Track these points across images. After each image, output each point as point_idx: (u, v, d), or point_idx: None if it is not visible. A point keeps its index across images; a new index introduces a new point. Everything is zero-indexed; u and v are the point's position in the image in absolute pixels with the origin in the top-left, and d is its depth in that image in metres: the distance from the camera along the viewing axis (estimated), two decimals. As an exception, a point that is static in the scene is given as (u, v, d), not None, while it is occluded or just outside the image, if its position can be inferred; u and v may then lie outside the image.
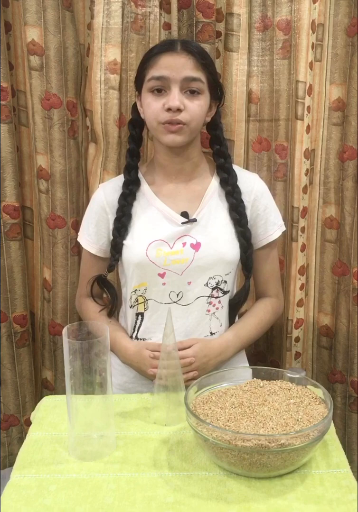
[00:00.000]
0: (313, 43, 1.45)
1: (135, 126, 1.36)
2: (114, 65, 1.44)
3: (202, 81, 1.23)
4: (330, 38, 1.48)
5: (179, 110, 1.21)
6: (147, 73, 1.24)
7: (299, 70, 1.45)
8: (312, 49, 1.45)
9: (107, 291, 1.38)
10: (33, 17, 1.41)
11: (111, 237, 1.33)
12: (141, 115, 1.31)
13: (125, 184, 1.33)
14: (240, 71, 1.48)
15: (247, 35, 1.47)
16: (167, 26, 1.46)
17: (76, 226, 1.56)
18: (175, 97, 1.20)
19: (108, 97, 1.46)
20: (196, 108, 1.23)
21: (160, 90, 1.23)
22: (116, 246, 1.31)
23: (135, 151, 1.36)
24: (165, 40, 1.36)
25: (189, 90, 1.22)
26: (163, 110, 1.22)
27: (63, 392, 1.09)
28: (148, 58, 1.25)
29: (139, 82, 1.29)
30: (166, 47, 1.24)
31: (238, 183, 1.33)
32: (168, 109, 1.21)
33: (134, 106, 1.35)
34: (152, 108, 1.23)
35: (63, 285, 1.60)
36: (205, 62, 1.24)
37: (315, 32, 1.45)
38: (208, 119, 1.31)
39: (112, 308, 1.37)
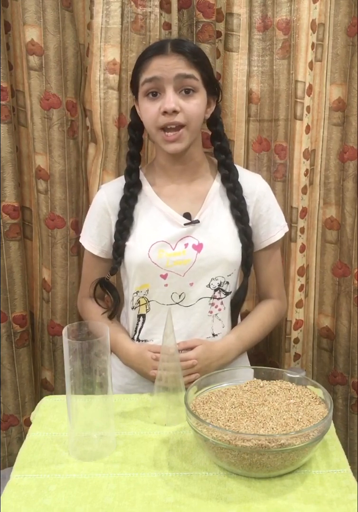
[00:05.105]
0: (313, 43, 1.44)
1: (135, 129, 1.35)
2: (114, 65, 1.44)
3: (195, 78, 1.22)
4: (331, 38, 1.48)
5: (175, 112, 1.20)
6: (141, 77, 1.24)
7: (298, 70, 1.45)
8: (312, 49, 1.45)
9: (110, 293, 1.37)
10: (32, 17, 1.41)
11: (113, 240, 1.33)
12: (141, 118, 1.31)
13: (127, 187, 1.32)
14: (240, 71, 1.47)
15: (247, 35, 1.47)
16: (167, 26, 1.46)
17: (76, 226, 1.56)
18: (170, 99, 1.19)
19: (107, 97, 1.46)
20: (193, 108, 1.22)
21: (155, 94, 1.22)
22: (118, 249, 1.31)
23: (135, 154, 1.35)
24: (156, 42, 1.34)
25: (184, 89, 1.21)
26: (160, 114, 1.21)
27: (63, 392, 1.09)
28: (140, 62, 1.25)
29: (134, 88, 1.29)
30: (156, 50, 1.23)
31: (240, 183, 1.32)
32: (165, 112, 1.20)
33: (133, 110, 1.35)
34: (150, 113, 1.23)
35: (62, 286, 1.60)
36: (197, 60, 1.22)
37: (316, 32, 1.45)
38: (207, 115, 1.30)
39: (115, 310, 1.37)
